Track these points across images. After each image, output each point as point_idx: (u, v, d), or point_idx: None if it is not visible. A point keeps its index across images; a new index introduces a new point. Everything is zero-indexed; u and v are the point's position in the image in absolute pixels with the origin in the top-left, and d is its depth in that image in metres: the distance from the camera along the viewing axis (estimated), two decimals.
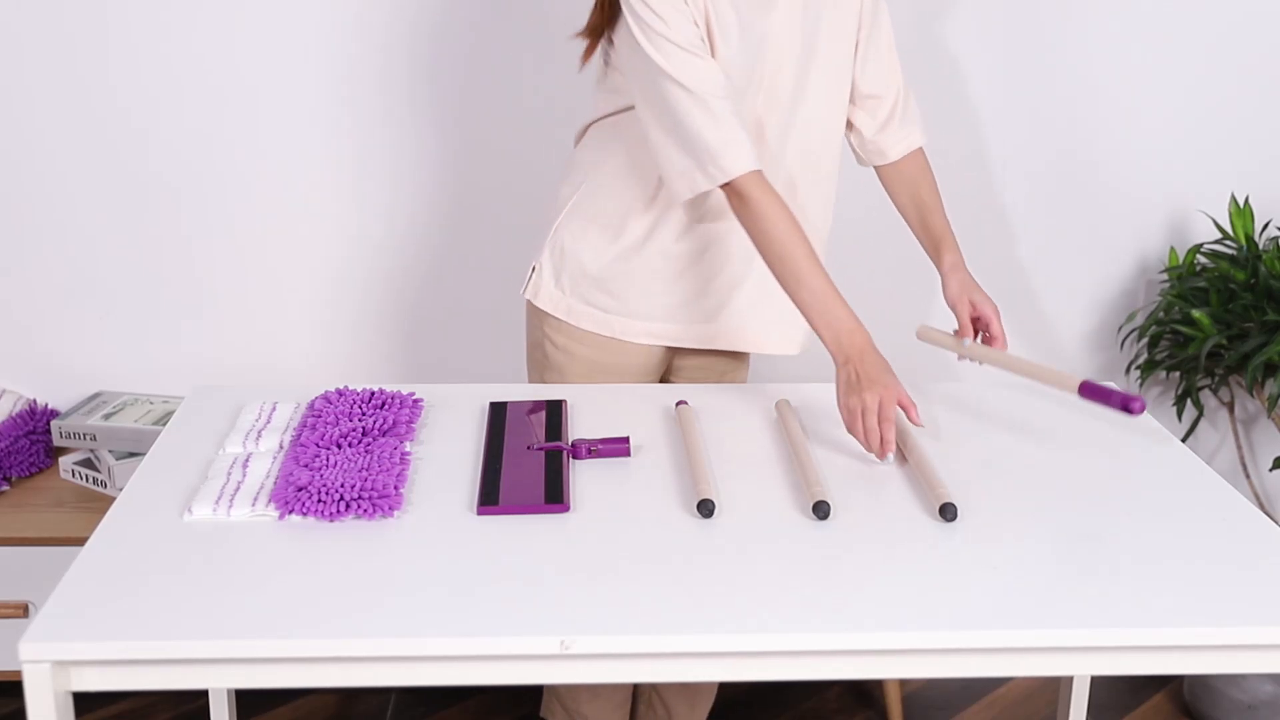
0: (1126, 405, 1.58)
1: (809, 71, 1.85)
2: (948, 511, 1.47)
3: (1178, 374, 2.63)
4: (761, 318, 1.95)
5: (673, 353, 2.01)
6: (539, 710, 2.18)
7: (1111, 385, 1.65)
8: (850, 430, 1.65)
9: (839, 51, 1.87)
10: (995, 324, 1.85)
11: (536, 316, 1.98)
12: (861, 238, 2.43)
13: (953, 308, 1.88)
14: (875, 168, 2.00)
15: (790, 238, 1.69)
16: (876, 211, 2.09)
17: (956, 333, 1.87)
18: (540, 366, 2.00)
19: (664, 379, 2.05)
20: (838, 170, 1.96)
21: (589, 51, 1.87)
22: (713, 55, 1.75)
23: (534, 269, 1.96)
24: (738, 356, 2.08)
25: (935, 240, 1.93)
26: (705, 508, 1.48)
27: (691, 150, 1.71)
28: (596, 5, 1.82)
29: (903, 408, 1.62)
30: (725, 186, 1.72)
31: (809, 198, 1.90)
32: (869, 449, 1.63)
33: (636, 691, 2.20)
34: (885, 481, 1.59)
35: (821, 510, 1.47)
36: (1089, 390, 1.64)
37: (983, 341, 1.87)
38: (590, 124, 1.95)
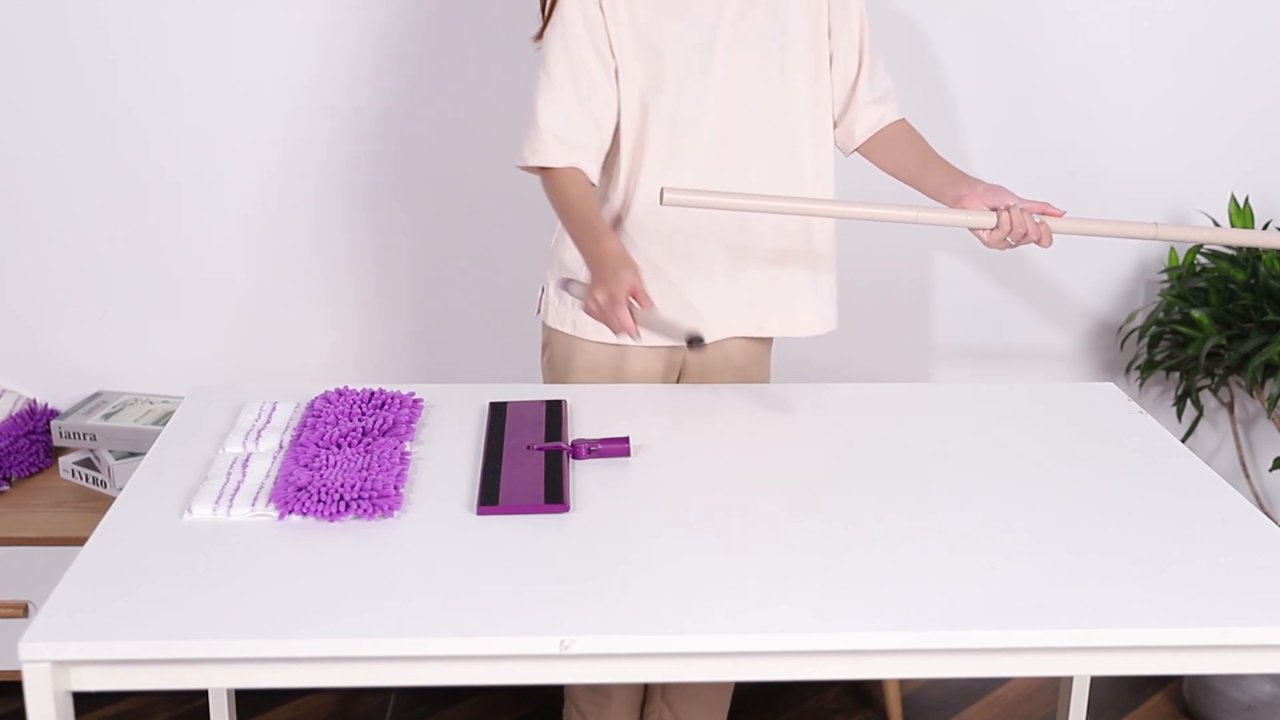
0: None
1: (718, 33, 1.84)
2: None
3: (1178, 374, 2.62)
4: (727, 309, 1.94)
5: (680, 357, 1.99)
6: (545, 711, 2.18)
7: None
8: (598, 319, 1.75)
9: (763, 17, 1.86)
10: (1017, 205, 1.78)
11: (546, 334, 2.00)
12: (867, 231, 2.42)
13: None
14: (862, 154, 1.97)
15: (579, 199, 1.82)
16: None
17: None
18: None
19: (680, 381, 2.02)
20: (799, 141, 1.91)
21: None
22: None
23: (542, 290, 1.99)
24: (754, 346, 2.02)
25: (937, 184, 1.88)
26: (697, 343, 1.60)
27: (527, 127, 1.86)
28: (541, 6, 1.85)
29: (636, 297, 1.70)
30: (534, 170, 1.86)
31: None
32: (613, 330, 1.72)
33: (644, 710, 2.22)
34: (884, 482, 1.59)
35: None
36: None
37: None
38: None
